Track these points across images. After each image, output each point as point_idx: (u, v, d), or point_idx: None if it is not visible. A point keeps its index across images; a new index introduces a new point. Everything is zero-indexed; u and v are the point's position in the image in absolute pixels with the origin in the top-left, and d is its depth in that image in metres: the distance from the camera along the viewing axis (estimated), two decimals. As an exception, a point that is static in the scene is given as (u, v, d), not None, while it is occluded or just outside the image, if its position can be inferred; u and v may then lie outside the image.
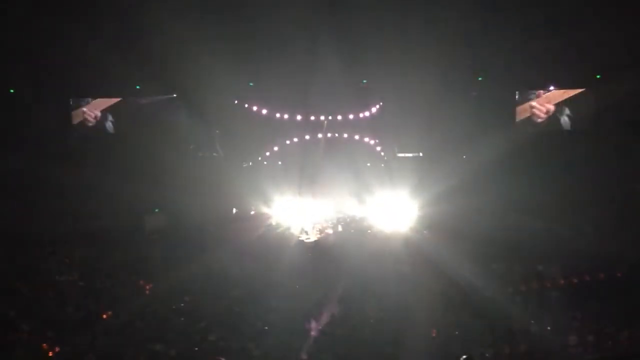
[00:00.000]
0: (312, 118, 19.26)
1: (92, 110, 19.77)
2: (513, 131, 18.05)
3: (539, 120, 18.14)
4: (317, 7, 15.50)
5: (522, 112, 18.27)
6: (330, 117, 19.22)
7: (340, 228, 17.60)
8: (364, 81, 18.90)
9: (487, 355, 9.86)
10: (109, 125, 19.68)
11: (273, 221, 17.64)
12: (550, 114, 18.08)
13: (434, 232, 15.99)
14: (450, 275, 12.60)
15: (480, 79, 18.14)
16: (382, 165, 19.42)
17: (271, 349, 9.90)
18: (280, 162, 19.47)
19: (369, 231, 17.23)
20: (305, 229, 17.07)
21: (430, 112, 17.21)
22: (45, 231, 15.79)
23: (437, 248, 14.48)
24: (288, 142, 19.53)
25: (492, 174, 16.34)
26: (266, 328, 10.82)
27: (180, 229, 16.70)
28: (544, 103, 18.09)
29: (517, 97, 18.30)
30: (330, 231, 17.34)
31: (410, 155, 19.19)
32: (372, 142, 19.52)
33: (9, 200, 16.70)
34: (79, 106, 19.82)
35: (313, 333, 10.77)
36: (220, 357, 8.87)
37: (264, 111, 18.97)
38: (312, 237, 16.83)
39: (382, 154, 19.52)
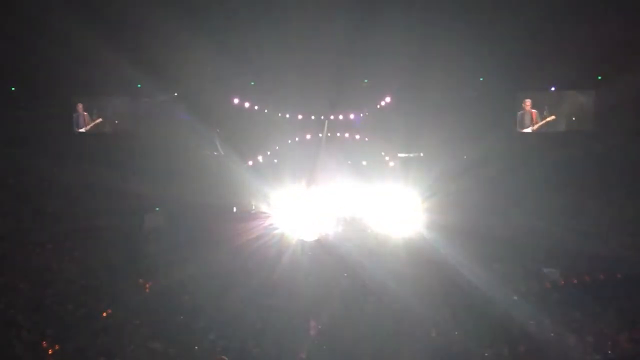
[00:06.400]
0: (313, 117, 19.29)
1: (93, 109, 19.75)
2: (514, 131, 18.08)
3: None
4: (319, 6, 15.50)
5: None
6: (331, 117, 19.25)
7: (340, 228, 17.60)
8: (365, 81, 18.93)
9: (486, 355, 9.87)
10: (110, 124, 19.67)
11: (273, 220, 17.64)
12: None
13: (434, 232, 15.97)
14: (450, 275, 12.62)
15: (481, 79, 18.14)
16: (383, 165, 19.43)
17: (271, 348, 9.91)
18: (280, 161, 19.48)
19: (369, 231, 17.24)
20: (306, 228, 17.06)
21: (431, 112, 17.23)
22: (45, 229, 15.80)
23: (437, 248, 14.50)
24: (289, 141, 19.56)
25: (493, 174, 16.36)
26: (266, 327, 10.81)
27: (180, 228, 16.71)
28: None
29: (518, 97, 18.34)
30: (330, 231, 17.33)
31: (411, 155, 19.22)
32: (372, 142, 19.52)
33: (9, 198, 16.73)
34: (80, 105, 19.80)
35: (312, 332, 10.79)
36: (222, 356, 8.87)
37: (265, 110, 19.00)
38: (312, 236, 16.81)
39: (383, 153, 19.52)
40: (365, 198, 18.12)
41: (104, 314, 11.35)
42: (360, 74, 18.47)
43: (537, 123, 18.12)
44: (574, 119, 17.90)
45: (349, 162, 19.26)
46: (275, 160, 19.58)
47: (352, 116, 19.24)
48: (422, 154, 19.12)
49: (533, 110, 18.13)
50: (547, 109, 18.06)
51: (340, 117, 19.19)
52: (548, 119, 18.07)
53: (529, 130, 18.11)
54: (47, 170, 16.44)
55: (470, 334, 10.50)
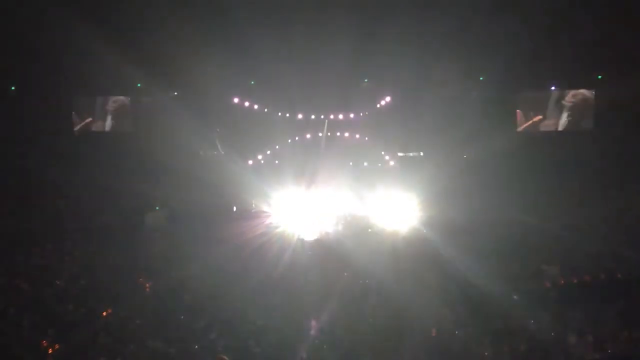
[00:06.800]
0: (313, 117, 19.29)
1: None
2: (514, 131, 18.10)
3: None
4: (319, 6, 15.51)
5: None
6: (331, 116, 19.26)
7: (340, 226, 17.58)
8: (365, 80, 18.93)
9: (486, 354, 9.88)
10: (111, 123, 19.67)
11: (273, 219, 17.62)
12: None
13: (434, 230, 15.96)
14: (451, 274, 12.62)
15: (481, 78, 18.13)
16: (383, 164, 19.44)
17: (272, 347, 9.92)
18: (280, 161, 19.48)
19: (370, 230, 17.22)
20: (306, 228, 17.05)
21: (431, 112, 17.23)
22: (46, 228, 15.81)
23: (437, 246, 14.50)
24: (289, 140, 19.56)
25: (493, 173, 16.37)
26: (266, 326, 10.82)
27: (181, 227, 16.71)
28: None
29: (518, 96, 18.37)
30: (330, 230, 17.31)
31: (411, 154, 19.23)
32: (372, 141, 19.52)
33: (10, 198, 16.72)
34: (81, 104, 19.80)
35: (313, 332, 10.79)
36: (222, 356, 8.87)
37: (265, 110, 19.01)
38: (313, 235, 16.80)
39: (383, 153, 19.53)
40: (365, 197, 18.10)
41: (104, 314, 11.35)
42: (361, 73, 18.48)
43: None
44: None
45: (349, 161, 19.26)
46: (276, 160, 19.57)
47: (352, 116, 19.25)
48: (422, 154, 19.13)
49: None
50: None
51: (340, 116, 19.20)
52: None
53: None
54: (49, 169, 16.43)
55: (470, 334, 10.53)
